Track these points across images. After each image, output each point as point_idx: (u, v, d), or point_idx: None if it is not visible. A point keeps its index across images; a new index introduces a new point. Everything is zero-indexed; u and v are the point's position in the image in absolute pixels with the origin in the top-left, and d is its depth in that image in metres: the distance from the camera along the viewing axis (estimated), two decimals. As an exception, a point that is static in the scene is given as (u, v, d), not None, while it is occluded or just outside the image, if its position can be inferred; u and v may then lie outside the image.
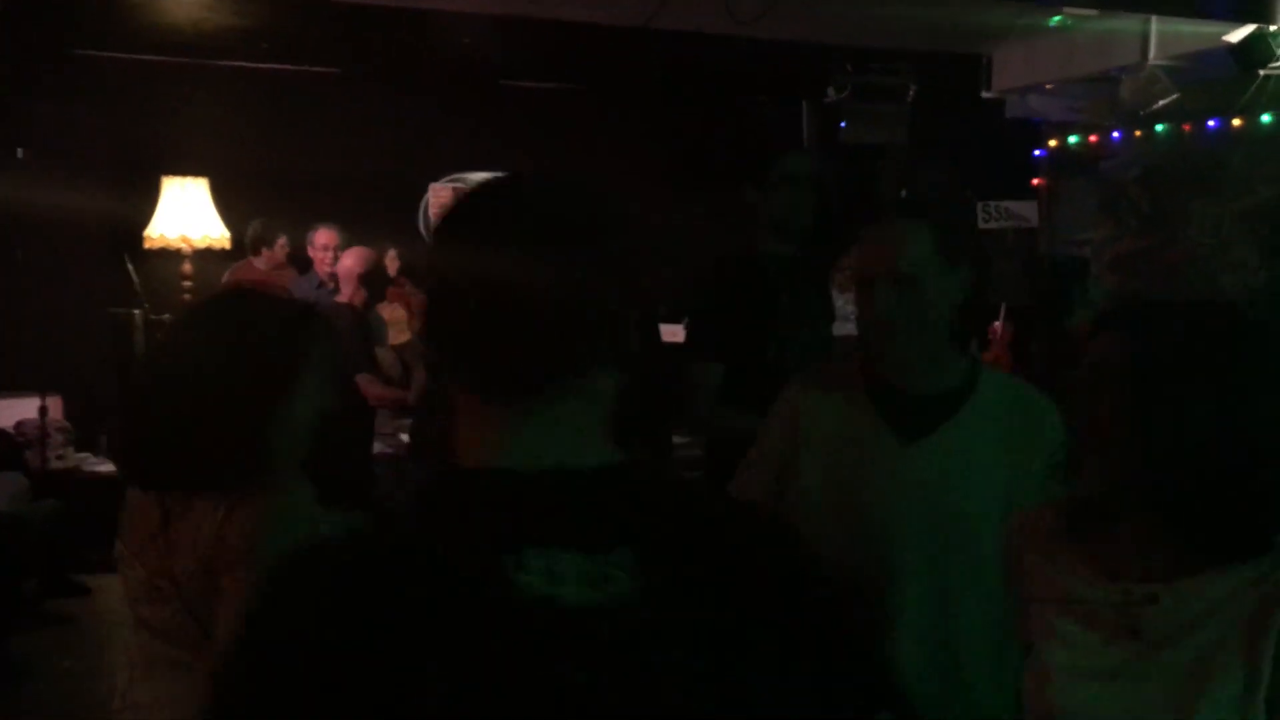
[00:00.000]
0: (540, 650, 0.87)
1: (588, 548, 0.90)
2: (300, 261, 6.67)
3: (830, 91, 7.53)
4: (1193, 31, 5.85)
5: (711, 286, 3.41)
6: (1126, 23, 6.23)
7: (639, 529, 0.93)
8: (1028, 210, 7.91)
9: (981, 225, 7.92)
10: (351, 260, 5.17)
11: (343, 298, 5.06)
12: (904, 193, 8.84)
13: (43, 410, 6.10)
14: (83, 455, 6.34)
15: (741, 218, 3.51)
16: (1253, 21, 5.25)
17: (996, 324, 7.70)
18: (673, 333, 8.11)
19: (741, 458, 3.21)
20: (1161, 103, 6.08)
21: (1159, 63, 6.15)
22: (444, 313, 1.01)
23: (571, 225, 0.99)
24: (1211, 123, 6.70)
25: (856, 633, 1.08)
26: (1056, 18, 6.22)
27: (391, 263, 7.54)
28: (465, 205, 1.04)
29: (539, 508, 0.93)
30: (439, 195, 8.76)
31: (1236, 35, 5.31)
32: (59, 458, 6.13)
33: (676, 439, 7.53)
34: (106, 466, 6.28)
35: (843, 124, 7.52)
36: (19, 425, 6.13)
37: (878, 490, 1.92)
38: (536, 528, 0.91)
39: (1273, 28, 5.31)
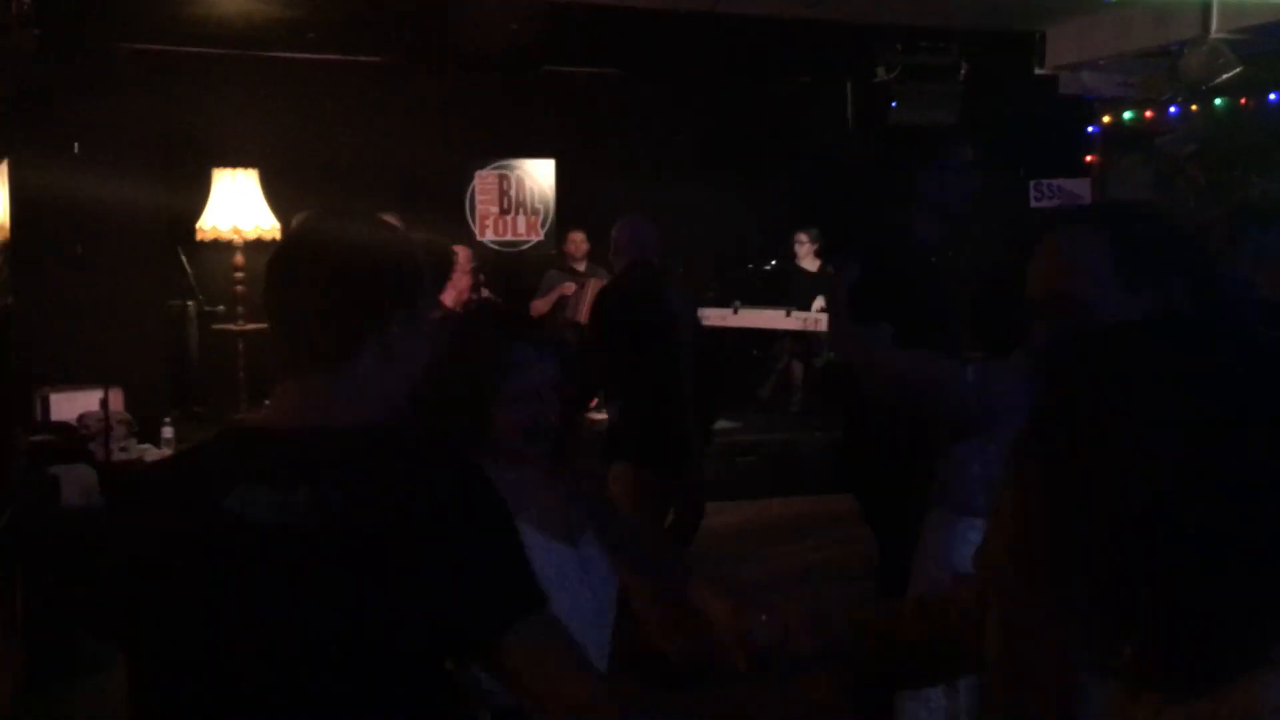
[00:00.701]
0: (231, 554, 1.28)
1: (278, 485, 1.28)
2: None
3: (880, 71, 7.46)
4: (1257, 3, 5.75)
5: (868, 262, 3.36)
6: (1188, -7, 6.14)
7: (321, 471, 1.29)
8: (1080, 188, 7.82)
9: (1033, 203, 7.84)
10: (463, 256, 5.16)
11: (456, 303, 5.03)
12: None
13: (104, 403, 6.13)
14: (144, 447, 6.37)
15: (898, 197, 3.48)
16: (1323, -8, 5.15)
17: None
18: (720, 316, 8.11)
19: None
20: (1225, 76, 5.99)
21: (1221, 36, 6.06)
22: (266, 314, 1.45)
23: (334, 261, 1.40)
24: (1272, 96, 6.59)
25: (507, 549, 1.33)
26: (1117, -9, 6.14)
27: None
28: (282, 245, 1.56)
29: (257, 454, 1.35)
30: (485, 182, 8.77)
31: (1306, 6, 5.22)
32: (122, 449, 6.16)
33: (726, 424, 7.54)
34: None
35: (893, 104, 7.45)
36: (82, 418, 6.17)
37: None
38: (247, 468, 1.32)
39: (1344, -2, 5.21)
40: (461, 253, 5.18)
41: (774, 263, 8.75)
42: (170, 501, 1.36)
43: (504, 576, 1.31)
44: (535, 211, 8.85)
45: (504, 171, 8.83)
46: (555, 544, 1.90)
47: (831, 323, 3.39)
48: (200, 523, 1.30)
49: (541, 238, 8.81)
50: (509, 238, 8.74)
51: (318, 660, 1.25)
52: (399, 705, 1.27)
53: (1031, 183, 7.76)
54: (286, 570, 1.26)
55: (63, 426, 6.08)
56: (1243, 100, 6.73)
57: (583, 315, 7.54)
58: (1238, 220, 3.75)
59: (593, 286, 7.52)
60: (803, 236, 8.50)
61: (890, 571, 3.11)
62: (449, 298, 5.01)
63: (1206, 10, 6.17)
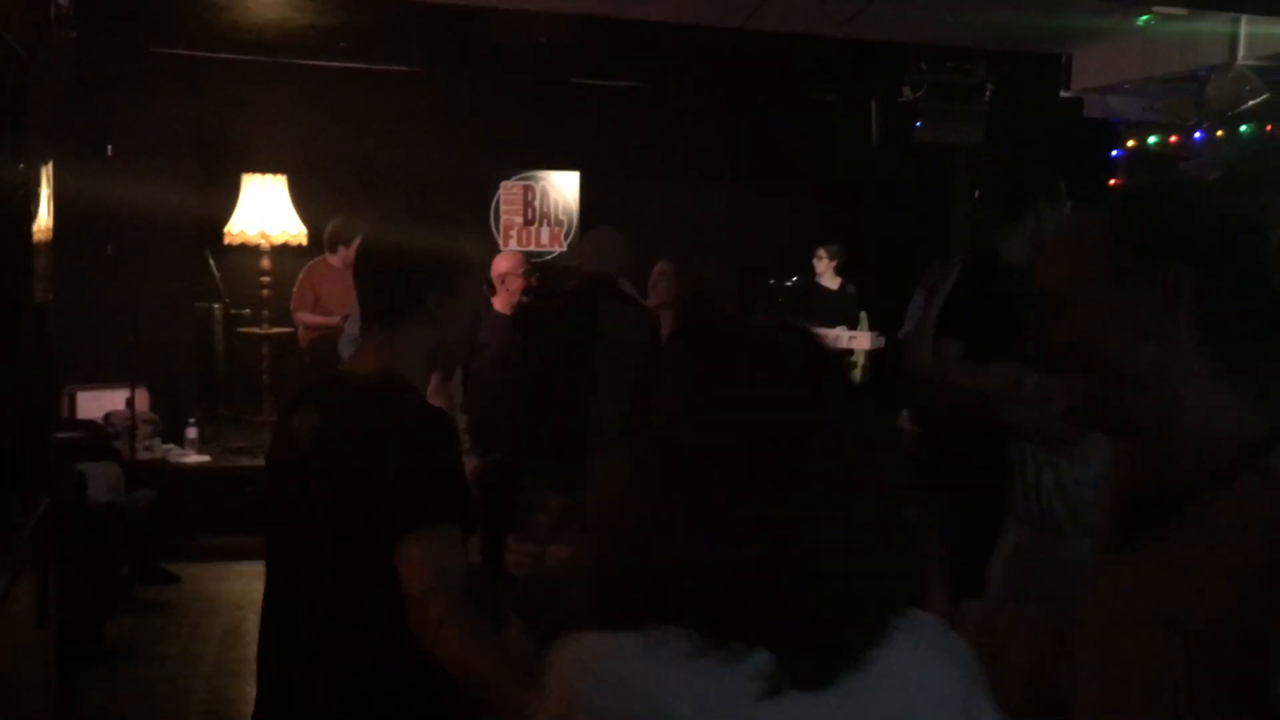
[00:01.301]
0: (283, 455, 1.86)
1: (318, 411, 1.81)
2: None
3: (906, 90, 7.50)
4: (1285, 31, 5.78)
5: (963, 283, 3.42)
6: (1214, 23, 6.16)
7: (338, 403, 1.82)
8: (1104, 211, 7.83)
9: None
10: (511, 262, 5.21)
11: (504, 307, 5.06)
12: (977, 193, 8.79)
13: (130, 402, 6.21)
14: (168, 446, 6.45)
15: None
16: (1351, 20, 5.17)
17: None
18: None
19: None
20: (1251, 103, 6.01)
21: (1248, 63, 6.08)
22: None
23: (382, 253, 1.89)
24: (1298, 123, 6.59)
25: (426, 472, 1.71)
26: (1144, 18, 6.16)
27: None
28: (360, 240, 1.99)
29: (321, 388, 1.93)
30: (509, 193, 8.83)
31: (1334, 35, 5.24)
32: (146, 448, 6.24)
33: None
34: (192, 458, 6.39)
35: (918, 123, 7.48)
36: (108, 416, 6.25)
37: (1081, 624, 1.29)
38: (312, 397, 1.88)
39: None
40: (512, 259, 5.22)
41: (795, 278, 8.78)
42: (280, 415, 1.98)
43: (413, 492, 1.69)
44: (559, 223, 8.91)
45: (529, 182, 8.89)
46: None
47: (915, 330, 3.47)
48: (278, 432, 1.91)
49: (565, 249, 8.86)
50: (532, 248, 8.79)
51: (316, 537, 1.75)
52: (367, 577, 1.69)
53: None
54: (303, 471, 1.78)
55: (89, 424, 6.15)
56: (1268, 127, 6.72)
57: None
58: None
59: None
60: (821, 252, 8.49)
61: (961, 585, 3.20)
62: (500, 302, 5.04)
63: (1234, 37, 6.20)
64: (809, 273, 8.67)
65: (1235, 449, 1.13)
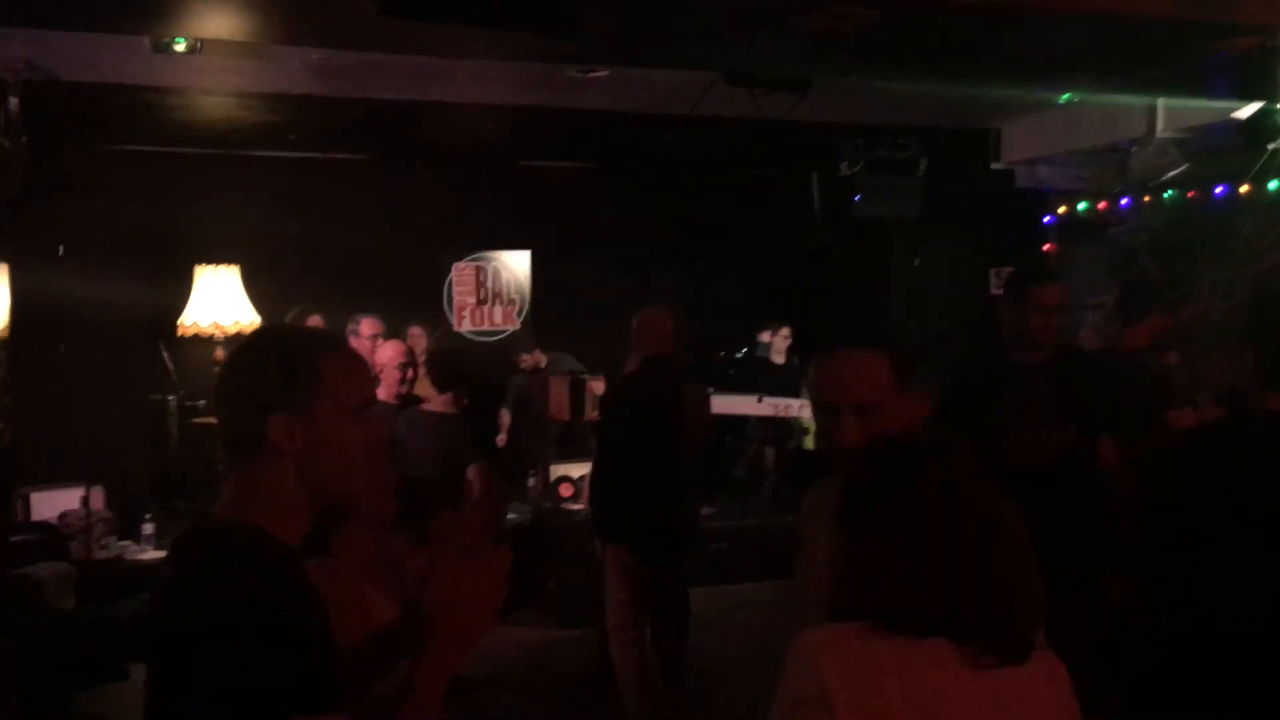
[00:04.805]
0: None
1: (173, 559, 1.49)
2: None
3: (843, 166, 7.71)
4: (1199, 105, 6.04)
5: (957, 380, 3.61)
6: (1134, 97, 6.43)
7: (178, 554, 1.50)
8: (1039, 276, 8.07)
9: (994, 291, 8.09)
10: (392, 352, 5.20)
11: (388, 396, 5.04)
12: (916, 262, 9.04)
13: (85, 501, 6.20)
14: (125, 543, 6.42)
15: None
16: (1258, 100, 5.40)
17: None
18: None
19: None
20: (1172, 173, 6.27)
21: (1167, 135, 6.35)
22: None
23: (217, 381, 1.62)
24: (1218, 190, 6.88)
25: (248, 651, 1.35)
26: (1066, 94, 6.42)
27: (418, 341, 7.61)
28: None
29: (186, 534, 1.54)
30: (461, 274, 8.95)
31: (1245, 111, 5.49)
32: (102, 547, 6.21)
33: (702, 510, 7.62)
34: (149, 554, 6.37)
35: (857, 198, 7.69)
36: (63, 516, 6.22)
37: None
38: (175, 544, 1.53)
39: (1280, 105, 5.47)
40: (394, 349, 5.21)
41: (745, 350, 8.93)
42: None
43: (212, 686, 1.33)
44: (511, 301, 9.03)
45: (480, 263, 9.02)
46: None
47: None
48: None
49: (518, 326, 8.97)
50: (486, 327, 8.90)
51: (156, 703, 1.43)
52: None
53: (991, 270, 8.01)
54: (151, 626, 1.45)
55: (42, 526, 6.12)
56: (1190, 194, 7.01)
57: (558, 411, 7.71)
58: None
59: (556, 383, 7.73)
60: (766, 334, 8.67)
61: None
62: (381, 392, 5.05)
63: (1152, 111, 6.47)
64: (757, 345, 8.83)
65: None
